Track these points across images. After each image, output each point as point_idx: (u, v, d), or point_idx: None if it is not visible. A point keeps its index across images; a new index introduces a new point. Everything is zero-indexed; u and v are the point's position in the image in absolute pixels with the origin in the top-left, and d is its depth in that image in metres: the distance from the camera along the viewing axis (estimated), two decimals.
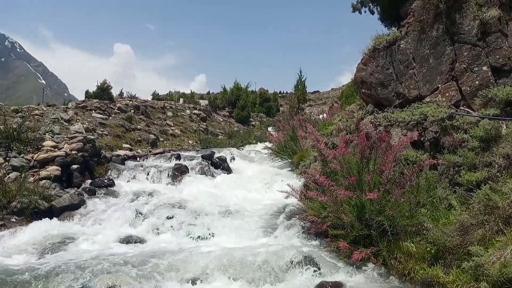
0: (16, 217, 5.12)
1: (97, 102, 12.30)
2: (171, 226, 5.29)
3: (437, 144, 4.58)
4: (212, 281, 3.55)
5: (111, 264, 3.53)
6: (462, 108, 4.93)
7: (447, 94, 5.15)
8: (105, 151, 8.82)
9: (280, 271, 3.70)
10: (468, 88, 4.98)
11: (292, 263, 3.80)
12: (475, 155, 3.98)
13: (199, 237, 5.03)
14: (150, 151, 10.59)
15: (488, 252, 2.67)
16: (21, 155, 6.83)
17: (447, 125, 4.52)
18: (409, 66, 5.66)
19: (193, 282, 3.52)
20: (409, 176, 3.90)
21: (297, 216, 5.15)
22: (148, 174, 7.99)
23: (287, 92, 34.67)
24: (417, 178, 4.05)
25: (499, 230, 2.88)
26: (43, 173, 6.55)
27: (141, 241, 4.84)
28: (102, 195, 6.63)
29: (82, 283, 3.10)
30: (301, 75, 21.35)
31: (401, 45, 5.77)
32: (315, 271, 3.66)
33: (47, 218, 5.19)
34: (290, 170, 8.39)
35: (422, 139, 4.81)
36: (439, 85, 5.27)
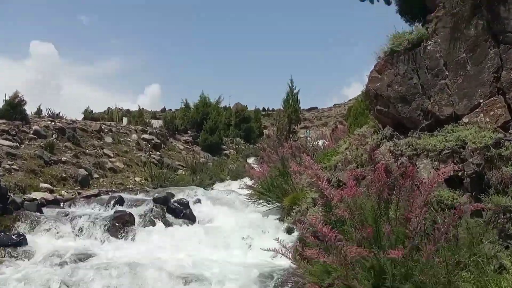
0: None
1: (4, 123, 12.13)
2: None
3: (481, 181, 4.66)
4: None
5: None
6: None
7: (491, 113, 5.30)
8: (14, 194, 8.65)
9: None
10: None
11: None
12: None
13: None
14: (79, 193, 10.44)
15: None
16: None
17: (493, 155, 4.62)
18: (439, 75, 5.83)
19: None
20: (445, 227, 3.93)
21: (290, 285, 5.10)
22: (76, 226, 7.84)
23: (273, 109, 35.12)
24: (455, 228, 4.09)
25: None
26: None
27: None
28: (9, 258, 6.44)
29: None
30: (292, 86, 21.71)
31: (428, 47, 5.96)
32: None
33: None
34: (279, 219, 8.37)
35: (460, 174, 4.90)
36: (481, 101, 5.42)
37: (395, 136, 6.19)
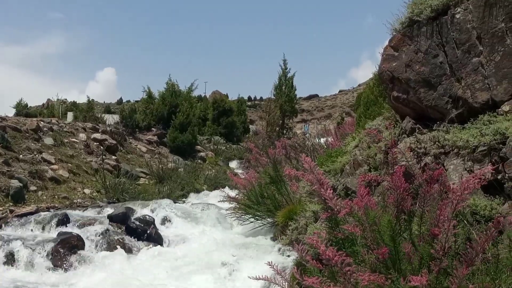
0: None
1: None
2: None
3: None
4: None
5: None
6: None
7: None
8: None
9: None
10: None
11: None
12: None
13: None
14: (11, 211, 10.37)
15: None
16: None
17: None
18: (471, 51, 5.87)
19: None
20: (481, 244, 3.97)
21: None
22: (8, 254, 7.79)
23: (262, 98, 35.09)
24: (494, 246, 4.13)
25: None
26: None
27: None
28: None
29: None
30: (286, 68, 21.67)
31: (457, 16, 5.99)
32: None
33: None
34: (271, 238, 8.39)
35: (499, 177, 4.94)
36: None
37: (417, 130, 6.22)
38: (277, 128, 18.54)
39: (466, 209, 4.66)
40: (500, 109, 5.53)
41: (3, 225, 9.58)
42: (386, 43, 6.67)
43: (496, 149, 5.06)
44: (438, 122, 6.01)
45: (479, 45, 5.82)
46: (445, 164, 5.39)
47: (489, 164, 5.07)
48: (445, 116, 5.98)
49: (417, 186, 4.59)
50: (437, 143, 5.61)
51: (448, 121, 5.92)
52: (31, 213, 10.22)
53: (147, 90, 24.80)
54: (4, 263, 7.65)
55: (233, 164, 20.01)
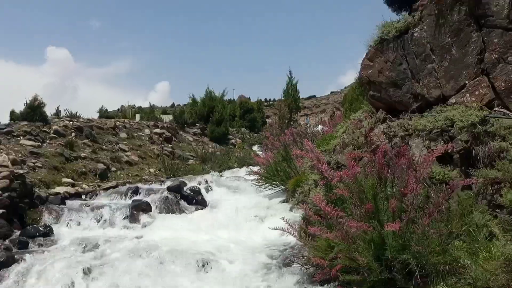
0: None
1: (26, 125, 12.16)
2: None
3: (469, 156, 4.66)
4: None
5: None
6: (497, 109, 5.05)
7: (476, 93, 5.28)
8: (39, 189, 8.69)
9: None
10: (502, 84, 5.11)
11: None
12: None
13: None
14: (99, 186, 10.49)
15: None
16: None
17: (479, 132, 4.62)
18: (427, 60, 5.81)
19: None
20: (438, 201, 3.93)
21: (296, 260, 5.13)
22: (98, 216, 7.90)
23: (274, 99, 35.07)
24: (447, 201, 4.10)
25: None
26: None
27: None
28: (37, 247, 6.53)
29: None
30: (291, 77, 21.64)
31: (415, 34, 5.93)
32: None
33: None
34: (284, 200, 8.39)
35: (449, 151, 4.89)
36: (466, 82, 5.41)
37: (388, 119, 6.18)
38: (286, 121, 18.47)
39: (426, 175, 4.61)
40: (448, 101, 5.50)
41: (94, 196, 9.72)
42: (364, 55, 6.62)
43: (446, 131, 5.02)
44: (403, 113, 5.98)
45: (432, 55, 5.76)
46: (409, 143, 5.34)
47: (442, 141, 5.03)
48: (408, 108, 5.94)
49: (389, 160, 4.55)
50: (403, 127, 5.57)
51: (411, 111, 5.88)
52: (113, 187, 10.32)
53: (192, 96, 24.82)
54: (95, 223, 7.76)
55: (255, 147, 20.00)
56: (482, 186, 4.27)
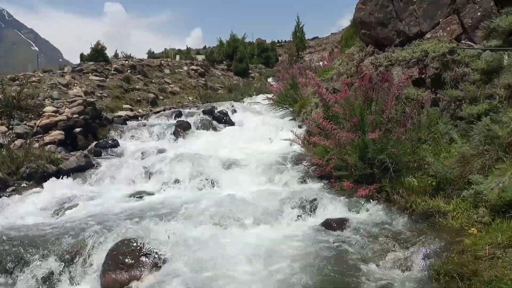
0: (26, 182, 5.27)
1: (92, 64, 12.14)
2: (178, 180, 5.41)
3: (439, 80, 4.55)
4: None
5: (122, 215, 3.72)
6: (463, 41, 4.84)
7: (448, 29, 5.04)
8: (106, 113, 8.87)
9: (283, 212, 3.87)
10: (470, 21, 4.85)
11: (295, 204, 3.97)
12: (476, 88, 3.98)
13: (203, 188, 5.16)
14: (150, 110, 10.64)
15: (487, 179, 2.76)
16: (24, 122, 6.90)
17: (448, 60, 4.48)
18: (409, 2, 5.49)
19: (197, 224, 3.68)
20: (410, 114, 3.93)
21: (301, 162, 5.27)
22: (150, 132, 8.08)
23: (285, 41, 33.86)
24: (418, 115, 4.09)
25: (499, 158, 2.96)
26: (47, 138, 6.65)
27: (149, 195, 5.00)
28: (108, 155, 6.78)
29: (99, 234, 3.26)
30: (299, 22, 20.74)
31: None
32: (319, 210, 3.82)
33: (57, 180, 5.33)
34: (291, 119, 8.42)
35: (423, 76, 4.79)
36: (440, 20, 5.15)
37: (375, 52, 5.98)
38: (294, 58, 17.97)
39: (403, 96, 4.56)
40: (425, 37, 5.27)
41: (147, 117, 9.88)
42: (358, 1, 6.29)
43: (422, 60, 4.87)
44: (388, 47, 5.76)
45: None
46: (391, 71, 5.21)
47: (417, 69, 4.91)
48: (392, 43, 5.72)
49: (374, 84, 4.49)
50: (387, 58, 5.41)
51: (394, 45, 5.67)
52: (161, 111, 10.45)
53: (219, 39, 24.14)
54: (149, 137, 7.95)
55: (270, 79, 19.62)
56: (447, 103, 4.22)
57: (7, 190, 4.95)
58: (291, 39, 20.93)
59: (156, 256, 2.82)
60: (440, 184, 3.32)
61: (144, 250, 2.81)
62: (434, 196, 3.28)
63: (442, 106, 4.24)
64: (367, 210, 3.73)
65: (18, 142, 6.23)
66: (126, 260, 2.73)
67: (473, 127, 3.38)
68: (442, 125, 3.97)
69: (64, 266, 2.95)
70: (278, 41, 35.13)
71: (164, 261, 2.80)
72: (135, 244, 2.87)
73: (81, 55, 13.89)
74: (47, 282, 2.87)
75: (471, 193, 2.82)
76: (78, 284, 2.87)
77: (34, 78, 9.38)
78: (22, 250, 3.08)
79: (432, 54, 4.63)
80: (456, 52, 4.48)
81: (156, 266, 2.76)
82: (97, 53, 13.28)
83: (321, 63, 12.88)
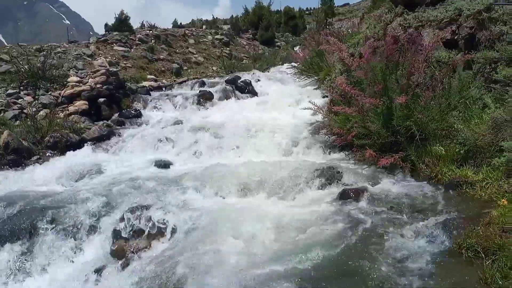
0: (50, 151, 5.41)
1: (117, 34, 12.14)
2: (199, 150, 5.40)
3: (473, 41, 4.20)
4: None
5: (139, 183, 3.75)
6: None
7: None
8: (130, 83, 8.88)
9: (303, 181, 3.76)
10: None
11: (315, 173, 3.84)
12: None
13: (223, 157, 5.12)
14: (174, 81, 10.59)
15: None
16: (49, 93, 7.02)
17: (484, 18, 4.10)
18: None
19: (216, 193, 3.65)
20: (440, 78, 3.65)
21: (322, 131, 5.09)
22: (174, 102, 8.07)
23: (314, 8, 32.73)
24: (449, 79, 3.79)
25: None
26: (71, 108, 6.76)
27: (171, 164, 5.01)
28: (131, 125, 6.83)
29: (113, 201, 3.29)
30: None
31: None
32: (338, 180, 3.68)
33: (79, 149, 5.44)
34: (316, 88, 8.16)
35: (455, 37, 4.42)
36: None
37: (405, 13, 5.60)
38: (322, 25, 17.33)
39: (433, 59, 4.24)
40: None
41: (171, 88, 9.85)
42: None
43: (455, 20, 4.49)
44: (418, 6, 5.36)
45: None
46: (422, 33, 4.85)
47: (450, 30, 4.54)
48: (423, 2, 5.31)
49: (401, 46, 4.19)
50: (417, 19, 5.05)
51: (425, 5, 5.26)
52: (185, 81, 10.34)
53: (245, 7, 23.64)
54: (172, 107, 7.93)
55: (296, 48, 19.08)
56: (481, 66, 3.89)
57: (32, 158, 5.09)
58: (320, 5, 20.19)
59: (166, 224, 2.80)
60: (469, 153, 3.09)
61: (154, 218, 2.79)
62: (462, 165, 3.07)
63: (475, 69, 3.92)
64: (391, 180, 3.56)
65: (43, 112, 6.36)
66: (136, 228, 2.73)
67: (508, 90, 3.08)
68: (475, 90, 3.67)
69: (74, 233, 3.00)
70: (307, 8, 33.99)
71: (174, 230, 2.78)
72: (146, 212, 2.86)
73: (106, 25, 13.92)
74: (57, 250, 2.92)
75: (502, 161, 2.59)
76: (86, 251, 2.91)
77: (59, 49, 9.50)
78: (34, 216, 3.15)
79: (467, 12, 4.25)
80: (493, 9, 4.09)
81: (165, 234, 2.75)
82: (121, 23, 13.25)
83: (349, 30, 12.34)
